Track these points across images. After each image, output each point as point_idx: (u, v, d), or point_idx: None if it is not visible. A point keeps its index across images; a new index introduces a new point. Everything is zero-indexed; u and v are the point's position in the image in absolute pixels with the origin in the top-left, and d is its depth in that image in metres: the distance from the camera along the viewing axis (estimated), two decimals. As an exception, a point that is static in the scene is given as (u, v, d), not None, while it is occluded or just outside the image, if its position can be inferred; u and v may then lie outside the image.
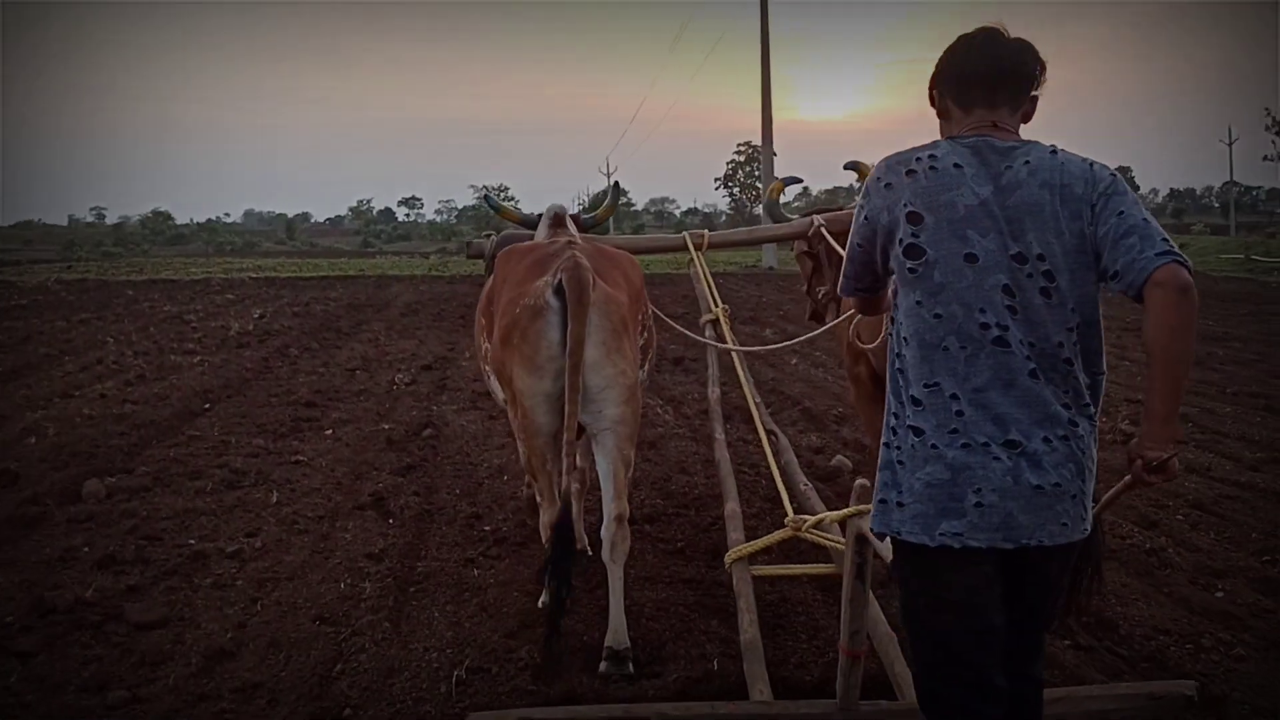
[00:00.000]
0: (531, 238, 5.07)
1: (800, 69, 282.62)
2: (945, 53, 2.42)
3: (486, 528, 5.52)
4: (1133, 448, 2.18)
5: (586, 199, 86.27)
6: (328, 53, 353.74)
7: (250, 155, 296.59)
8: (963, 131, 2.33)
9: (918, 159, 2.28)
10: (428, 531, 5.54)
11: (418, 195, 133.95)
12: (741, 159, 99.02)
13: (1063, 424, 2.17)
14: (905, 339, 2.29)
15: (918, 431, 2.22)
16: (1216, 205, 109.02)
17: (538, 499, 4.12)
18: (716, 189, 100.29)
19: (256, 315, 16.51)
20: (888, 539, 2.36)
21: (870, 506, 2.43)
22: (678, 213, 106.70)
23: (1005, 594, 2.30)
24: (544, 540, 4.00)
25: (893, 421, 2.32)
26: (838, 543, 3.65)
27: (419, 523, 5.66)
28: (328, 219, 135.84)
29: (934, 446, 2.20)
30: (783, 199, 5.99)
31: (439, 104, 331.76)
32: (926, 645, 2.36)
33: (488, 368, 4.42)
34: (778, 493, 4.16)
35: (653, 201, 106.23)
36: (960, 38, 2.40)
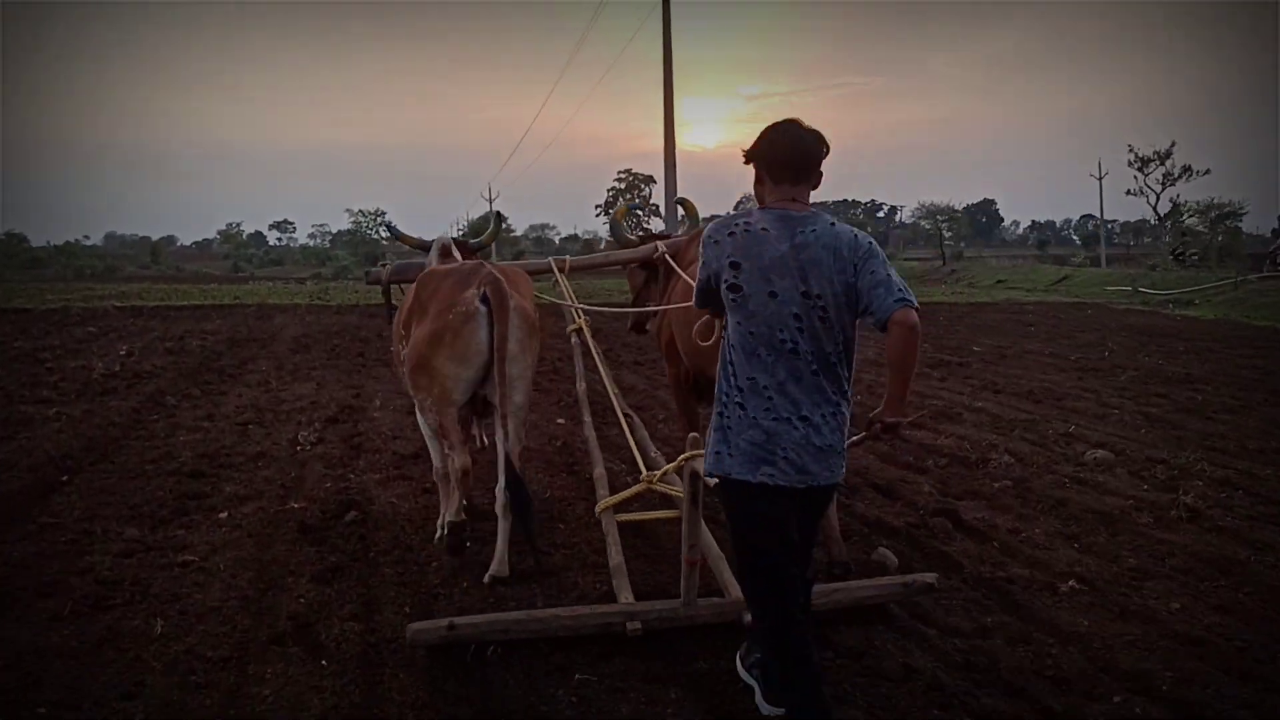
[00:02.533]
0: (420, 265, 6.26)
1: (682, 99, 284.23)
2: (761, 139, 3.33)
3: (458, 670, 4.03)
4: (875, 415, 3.37)
5: (466, 224, 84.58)
6: (194, 70, 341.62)
7: (112, 175, 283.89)
8: (771, 201, 3.32)
9: (736, 224, 3.30)
10: (378, 681, 4.00)
11: (290, 219, 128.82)
12: (622, 186, 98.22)
13: (832, 405, 3.27)
14: (733, 346, 3.33)
15: (743, 408, 3.27)
16: (1076, 238, 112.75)
17: (447, 453, 5.21)
18: (597, 216, 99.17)
19: (123, 352, 14.42)
20: (714, 478, 3.42)
21: (701, 452, 3.87)
22: (557, 239, 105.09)
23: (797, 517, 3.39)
24: (455, 482, 5.18)
25: (724, 399, 3.34)
26: (679, 492, 4.59)
27: (364, 666, 4.11)
28: (195, 242, 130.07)
29: (755, 419, 3.24)
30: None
31: (312, 125, 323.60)
32: (746, 548, 3.41)
33: (405, 369, 5.26)
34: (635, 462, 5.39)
35: (533, 227, 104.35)
36: (772, 130, 3.32)
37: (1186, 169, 65.72)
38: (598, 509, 5.13)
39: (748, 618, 3.91)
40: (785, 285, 3.17)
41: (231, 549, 5.54)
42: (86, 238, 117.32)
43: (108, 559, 5.33)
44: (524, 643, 4.12)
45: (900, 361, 3.19)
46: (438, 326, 4.88)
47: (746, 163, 3.39)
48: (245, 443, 8.28)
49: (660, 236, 7.11)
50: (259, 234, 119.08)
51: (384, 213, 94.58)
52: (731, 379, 3.29)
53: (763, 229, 3.23)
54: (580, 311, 6.71)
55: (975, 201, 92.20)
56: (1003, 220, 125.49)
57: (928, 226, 78.31)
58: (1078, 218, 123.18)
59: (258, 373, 12.62)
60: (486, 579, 4.91)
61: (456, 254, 6.14)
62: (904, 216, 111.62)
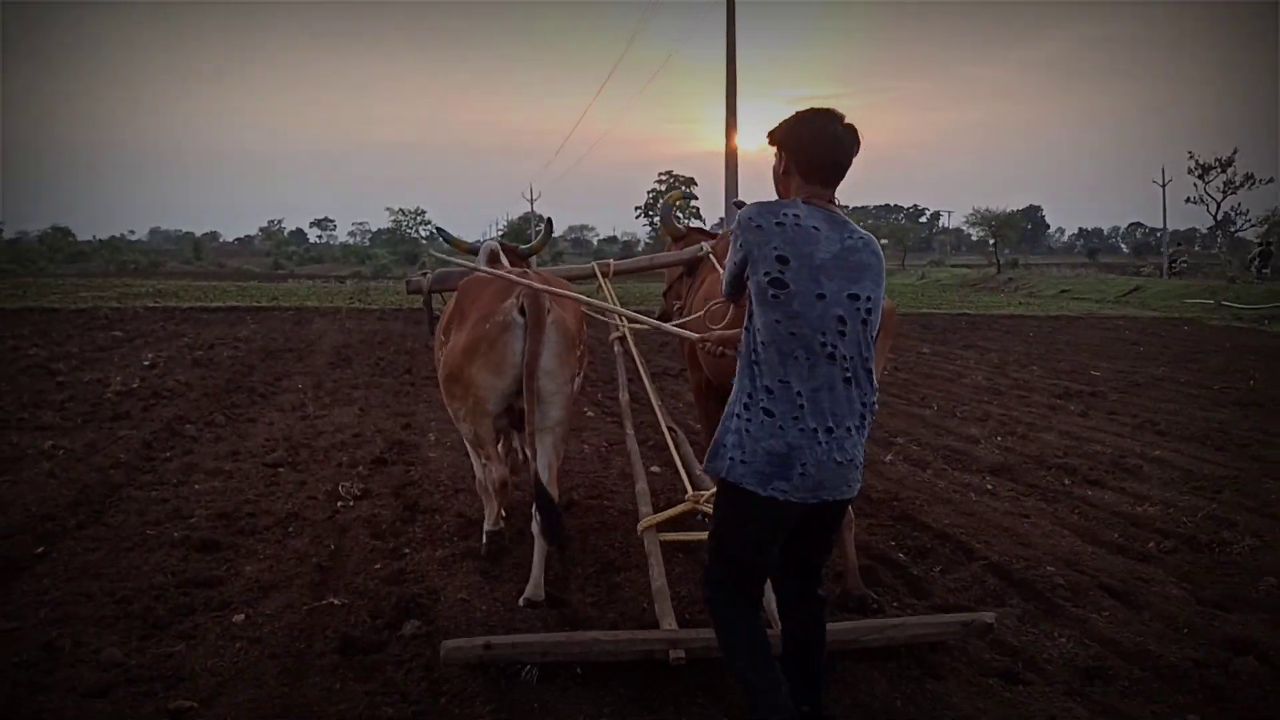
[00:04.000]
0: (462, 273, 5.97)
1: (720, 102, 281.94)
2: (794, 130, 3.13)
3: None
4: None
5: (505, 224, 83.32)
6: (240, 70, 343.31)
7: (158, 172, 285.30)
8: (805, 199, 3.10)
9: (785, 214, 3.03)
10: None
11: (330, 217, 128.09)
12: (663, 188, 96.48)
13: (857, 417, 3.07)
14: (763, 343, 3.02)
15: (769, 413, 2.99)
16: (1124, 246, 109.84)
17: (484, 464, 5.12)
18: (637, 218, 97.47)
19: (146, 363, 12.87)
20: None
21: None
22: (596, 240, 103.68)
23: (798, 530, 3.17)
24: (492, 492, 5.17)
25: (746, 400, 3.06)
26: None
27: None
28: (237, 239, 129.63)
29: (780, 427, 2.98)
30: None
31: (355, 124, 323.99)
32: (724, 551, 3.24)
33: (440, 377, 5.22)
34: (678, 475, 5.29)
35: (571, 229, 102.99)
36: (808, 123, 3.11)
37: (1249, 177, 63.66)
38: (640, 527, 4.85)
39: None
40: (833, 287, 3.01)
41: (246, 683, 3.87)
42: (131, 233, 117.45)
43: (70, 701, 3.70)
44: (560, 665, 3.93)
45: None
46: (474, 336, 4.78)
47: (771, 144, 3.22)
48: (273, 495, 6.62)
49: (706, 234, 6.89)
50: (300, 231, 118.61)
51: (424, 211, 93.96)
52: (757, 379, 3.05)
53: (813, 227, 3.04)
54: (623, 318, 6.19)
55: (1020, 207, 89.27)
56: (1048, 227, 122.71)
57: (975, 235, 76.07)
58: (1125, 225, 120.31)
59: (292, 392, 11.00)
60: (521, 602, 4.70)
61: (505, 260, 5.90)
62: (946, 222, 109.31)
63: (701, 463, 5.17)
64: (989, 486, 7.12)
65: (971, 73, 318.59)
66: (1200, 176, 64.06)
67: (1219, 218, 64.17)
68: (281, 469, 7.38)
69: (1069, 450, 8.28)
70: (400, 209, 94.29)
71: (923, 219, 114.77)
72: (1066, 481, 7.27)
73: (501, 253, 6.09)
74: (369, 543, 5.65)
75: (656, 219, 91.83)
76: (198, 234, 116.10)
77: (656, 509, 5.01)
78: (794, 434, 2.97)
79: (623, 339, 6.57)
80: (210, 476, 7.09)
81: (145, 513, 6.13)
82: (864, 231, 3.13)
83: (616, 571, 5.25)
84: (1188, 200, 65.23)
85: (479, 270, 5.27)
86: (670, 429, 5.66)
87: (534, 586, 4.75)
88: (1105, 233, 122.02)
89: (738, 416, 3.08)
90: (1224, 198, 64.16)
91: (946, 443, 8.51)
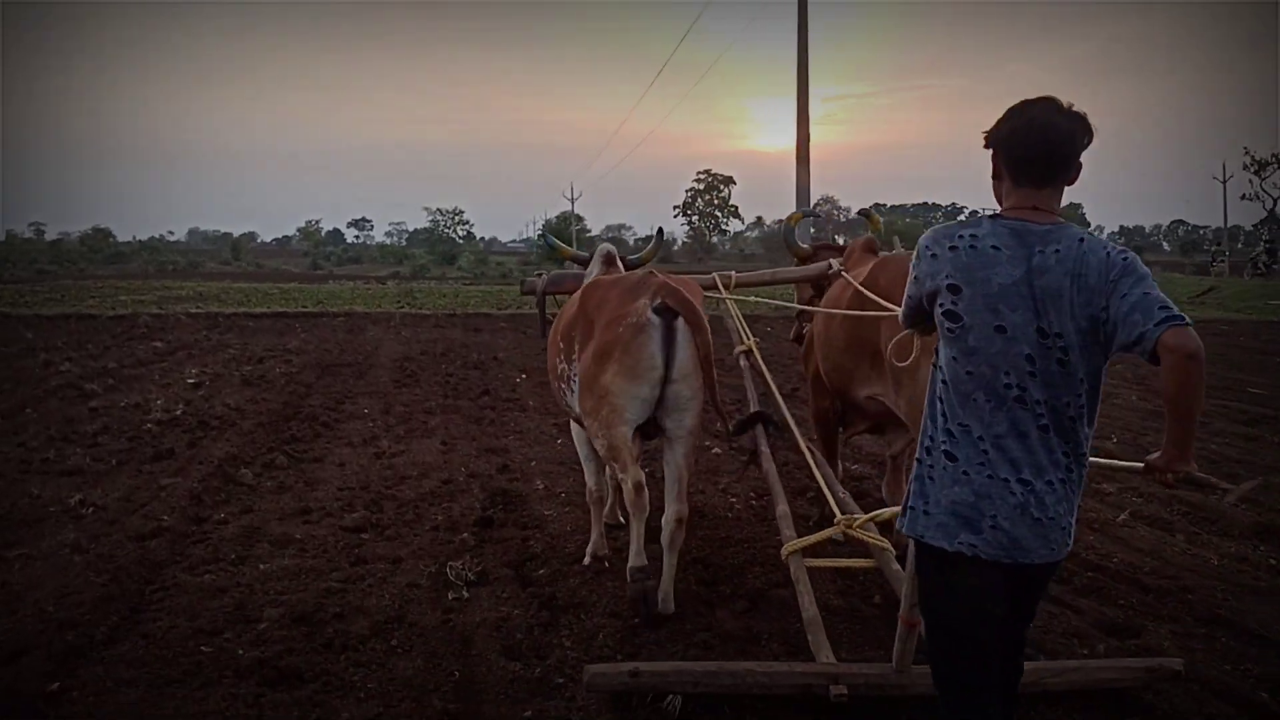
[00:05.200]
0: (578, 276, 5.87)
1: (755, 100, 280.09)
2: (1005, 122, 2.59)
3: None
4: (1153, 460, 2.52)
5: (541, 224, 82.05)
6: (276, 71, 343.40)
7: (196, 173, 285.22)
8: (1006, 209, 2.62)
9: (960, 236, 2.59)
10: None
11: (368, 217, 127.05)
12: (701, 187, 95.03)
13: (1062, 470, 2.55)
14: (945, 382, 2.63)
15: (951, 458, 2.60)
16: (1166, 245, 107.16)
17: (619, 474, 4.52)
18: (675, 217, 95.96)
19: (191, 381, 11.36)
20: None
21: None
22: (633, 240, 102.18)
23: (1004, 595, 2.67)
24: (628, 504, 4.53)
25: (928, 443, 2.68)
26: (879, 540, 4.25)
27: None
28: (275, 239, 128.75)
29: (965, 473, 2.57)
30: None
31: (392, 123, 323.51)
32: (939, 627, 2.72)
33: (565, 385, 4.90)
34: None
35: (609, 228, 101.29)
36: (1021, 110, 2.56)
37: (1307, 172, 61.89)
38: (785, 552, 4.38)
39: None
40: (1017, 319, 2.50)
41: None
42: (171, 233, 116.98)
43: None
44: (707, 697, 3.62)
45: (1177, 398, 2.37)
46: (606, 340, 4.42)
47: (986, 147, 2.67)
48: (362, 580, 5.02)
49: (834, 249, 6.65)
50: (337, 231, 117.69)
51: (461, 211, 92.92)
52: (940, 419, 2.64)
53: (992, 247, 2.54)
54: (749, 333, 6.31)
55: (1063, 206, 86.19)
56: (1089, 225, 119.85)
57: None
58: (1168, 223, 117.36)
59: (359, 419, 9.42)
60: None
61: (620, 265, 5.72)
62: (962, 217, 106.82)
63: (841, 483, 5.04)
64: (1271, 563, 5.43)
65: (1008, 70, 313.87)
66: (1256, 173, 62.39)
67: (1276, 212, 62.59)
68: (365, 535, 5.78)
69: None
70: (438, 209, 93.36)
71: (961, 217, 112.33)
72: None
73: (617, 257, 5.85)
74: (505, 666, 4.05)
75: (713, 230, 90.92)
76: (236, 234, 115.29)
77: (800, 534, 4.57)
78: (980, 481, 2.57)
79: (749, 353, 6.23)
80: (277, 548, 5.51)
81: (197, 613, 4.54)
82: (1077, 242, 2.52)
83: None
84: (1243, 197, 63.58)
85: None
86: (809, 448, 5.28)
87: (664, 600, 4.53)
88: (1147, 230, 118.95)
89: (920, 462, 2.73)
90: (1280, 194, 62.47)
91: (1173, 492, 6.77)
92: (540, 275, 6.42)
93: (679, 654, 4.12)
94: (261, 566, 5.20)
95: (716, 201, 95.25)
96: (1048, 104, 2.55)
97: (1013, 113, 2.58)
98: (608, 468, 4.88)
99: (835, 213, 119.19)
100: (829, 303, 5.55)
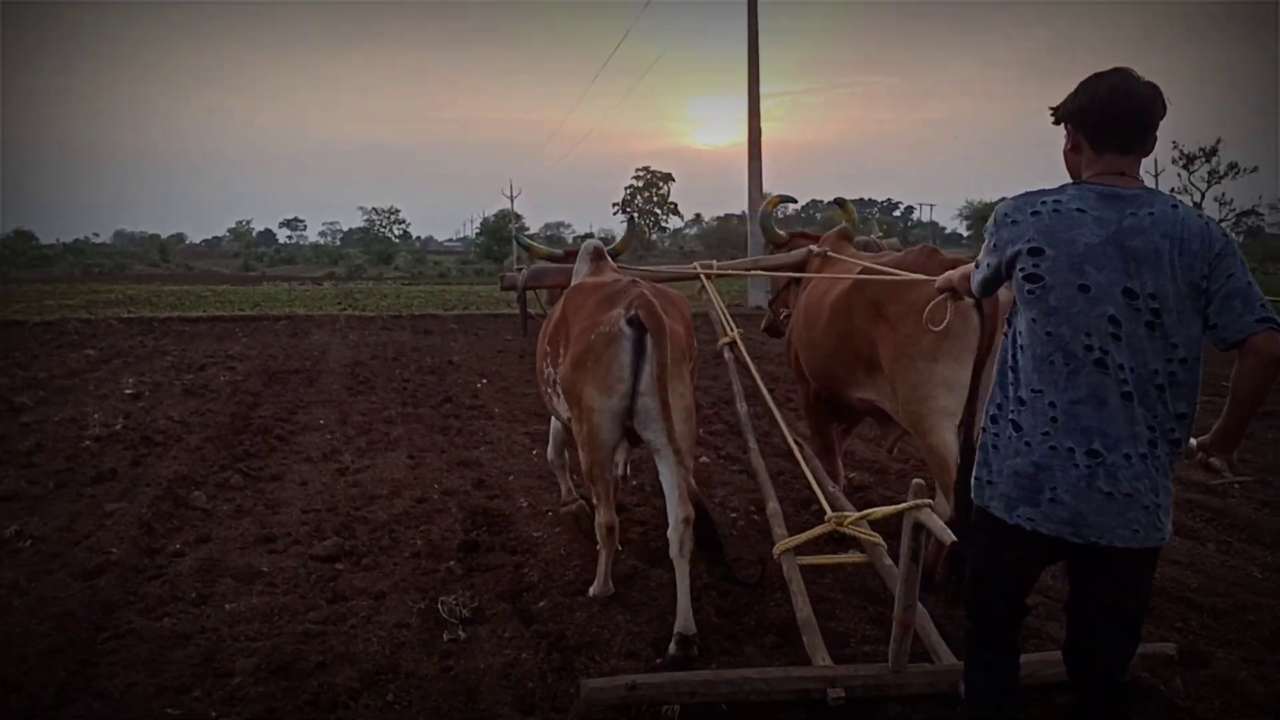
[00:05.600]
0: (561, 270, 5.92)
1: (694, 98, 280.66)
2: (1082, 93, 2.55)
3: None
4: (1201, 441, 2.54)
5: (479, 222, 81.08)
6: (204, 67, 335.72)
7: (121, 173, 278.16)
8: (1090, 176, 2.55)
9: (1043, 202, 2.53)
10: None
11: (300, 216, 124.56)
12: (640, 184, 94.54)
13: (1144, 443, 2.43)
14: (1021, 347, 2.57)
15: (1017, 427, 2.55)
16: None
17: (595, 502, 4.53)
18: (614, 214, 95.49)
19: (129, 392, 10.63)
20: (946, 530, 3.07)
21: (925, 502, 3.20)
22: (571, 238, 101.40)
23: (1075, 584, 2.68)
24: (600, 541, 4.57)
25: (995, 412, 2.64)
26: (873, 537, 4.12)
27: None
28: (204, 240, 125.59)
29: (1027, 444, 2.51)
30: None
31: (324, 122, 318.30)
32: (979, 577, 2.77)
33: (551, 390, 4.88)
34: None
35: (548, 226, 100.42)
36: (1095, 81, 2.53)
37: (1233, 166, 63.42)
38: (776, 551, 4.27)
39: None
40: (1102, 279, 2.42)
41: None
42: (95, 235, 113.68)
43: None
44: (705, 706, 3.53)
45: (1248, 394, 2.42)
46: (580, 349, 4.37)
47: (1056, 123, 2.67)
48: (343, 619, 4.46)
49: (810, 236, 6.46)
50: (269, 231, 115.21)
51: (398, 210, 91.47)
52: (1010, 388, 2.60)
53: (1078, 209, 2.48)
54: (732, 325, 6.05)
55: (992, 200, 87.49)
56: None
57: (949, 229, 74.40)
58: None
59: (315, 430, 8.80)
60: (673, 645, 4.02)
61: (609, 261, 5.60)
62: (921, 215, 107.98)
63: (829, 481, 4.89)
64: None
65: (941, 70, 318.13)
66: (1185, 166, 63.65)
67: (1202, 207, 64.08)
68: (339, 565, 5.22)
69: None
70: (373, 208, 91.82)
71: (896, 213, 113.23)
72: None
73: (605, 253, 5.65)
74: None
75: (653, 228, 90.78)
76: (163, 236, 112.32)
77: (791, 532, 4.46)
78: (1042, 452, 2.49)
79: (733, 345, 5.95)
80: (243, 583, 4.94)
81: (159, 666, 3.96)
82: (1172, 208, 2.48)
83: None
84: (1172, 190, 64.82)
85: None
86: (797, 442, 5.04)
87: (684, 619, 4.12)
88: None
89: (985, 431, 2.69)
90: (1208, 187, 63.96)
91: (1189, 496, 6.43)
92: (520, 270, 6.25)
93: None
94: (228, 606, 4.62)
95: (656, 198, 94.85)
96: (1126, 73, 2.53)
97: (1091, 82, 2.56)
98: (590, 492, 4.71)
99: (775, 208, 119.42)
100: (812, 298, 5.42)
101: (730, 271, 6.75)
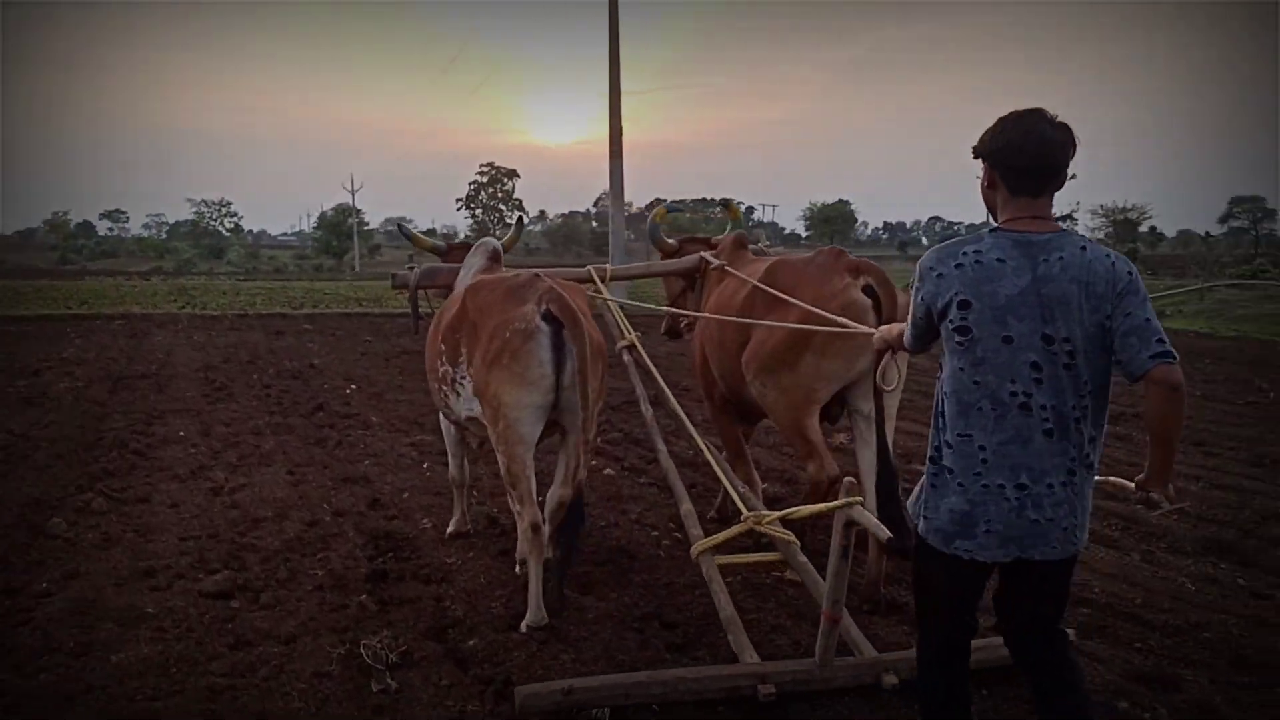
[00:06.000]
0: (452, 270, 5.81)
1: (539, 96, 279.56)
2: (999, 135, 2.65)
3: None
4: (1139, 480, 2.70)
5: (317, 217, 78.38)
6: (13, 47, 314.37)
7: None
8: (1006, 220, 2.69)
9: (964, 253, 2.66)
10: None
11: (122, 208, 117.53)
12: (484, 180, 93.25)
13: (1064, 473, 2.64)
14: (946, 395, 2.73)
15: (949, 471, 2.72)
16: (925, 240, 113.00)
17: (516, 507, 4.45)
18: (458, 210, 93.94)
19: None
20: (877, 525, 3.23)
21: (855, 500, 3.34)
22: (419, 233, 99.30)
23: (1005, 587, 2.90)
24: (524, 544, 4.49)
25: (933, 453, 2.79)
26: (786, 534, 4.23)
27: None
28: (17, 232, 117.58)
29: (960, 484, 2.70)
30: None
31: (147, 110, 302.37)
32: (927, 598, 2.98)
33: (448, 388, 4.77)
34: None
35: (388, 220, 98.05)
36: (1011, 124, 2.63)
37: (1058, 171, 66.86)
38: (694, 551, 4.35)
39: (890, 679, 3.69)
40: (1024, 328, 2.60)
41: None
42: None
43: None
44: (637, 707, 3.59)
45: (1159, 427, 2.58)
46: (495, 346, 4.30)
47: (976, 158, 2.76)
48: (251, 673, 3.92)
49: (701, 242, 6.57)
50: (88, 223, 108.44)
51: (229, 203, 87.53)
52: (940, 432, 2.77)
53: (998, 259, 2.63)
54: (630, 328, 6.05)
55: (830, 201, 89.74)
56: (856, 220, 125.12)
57: (788, 229, 76.00)
58: (927, 219, 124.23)
59: (176, 444, 8.08)
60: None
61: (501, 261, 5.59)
62: (762, 216, 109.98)
63: (739, 478, 5.06)
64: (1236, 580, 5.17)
65: (781, 72, 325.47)
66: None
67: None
68: (235, 603, 4.68)
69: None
70: (203, 200, 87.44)
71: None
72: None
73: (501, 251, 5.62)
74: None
75: (498, 224, 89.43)
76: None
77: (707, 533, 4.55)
78: (975, 490, 2.69)
79: (631, 348, 5.90)
80: (126, 628, 4.35)
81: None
82: (1080, 249, 2.62)
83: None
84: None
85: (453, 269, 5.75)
86: (706, 445, 5.06)
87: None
88: (908, 226, 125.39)
89: (927, 470, 2.85)
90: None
91: (1101, 503, 6.46)
92: (411, 269, 6.09)
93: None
94: (114, 658, 4.04)
95: (501, 195, 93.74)
96: (1039, 115, 2.63)
97: (1006, 125, 2.66)
98: (510, 494, 4.54)
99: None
100: (720, 302, 5.48)
101: (625, 275, 6.71)
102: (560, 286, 4.54)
